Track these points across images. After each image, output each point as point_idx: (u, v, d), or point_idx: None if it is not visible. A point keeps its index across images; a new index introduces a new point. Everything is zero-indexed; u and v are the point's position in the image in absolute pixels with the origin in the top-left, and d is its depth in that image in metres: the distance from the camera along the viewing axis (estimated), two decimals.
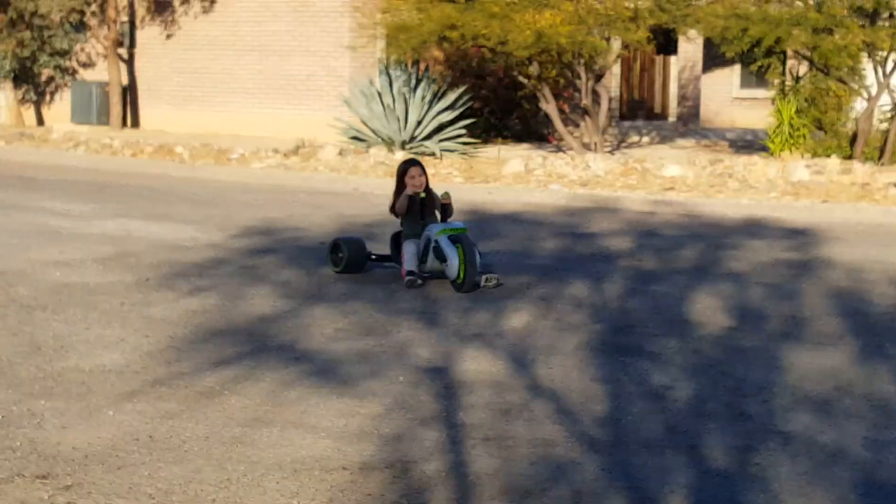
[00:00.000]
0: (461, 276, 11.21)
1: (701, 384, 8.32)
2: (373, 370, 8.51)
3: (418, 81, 27.42)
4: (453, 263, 11.23)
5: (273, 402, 7.63)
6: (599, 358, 8.99)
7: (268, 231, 15.02)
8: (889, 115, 26.82)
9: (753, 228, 16.57)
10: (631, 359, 8.98)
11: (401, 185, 11.86)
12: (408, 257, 11.58)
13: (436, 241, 11.35)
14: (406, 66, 27.64)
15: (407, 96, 26.91)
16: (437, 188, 12.26)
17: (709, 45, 32.95)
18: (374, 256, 12.22)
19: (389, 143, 26.91)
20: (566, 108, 31.21)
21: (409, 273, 11.50)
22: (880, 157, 25.28)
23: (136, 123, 34.14)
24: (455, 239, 11.33)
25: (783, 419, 7.53)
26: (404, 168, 11.91)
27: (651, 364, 8.84)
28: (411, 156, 25.08)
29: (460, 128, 27.47)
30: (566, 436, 7.11)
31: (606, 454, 6.81)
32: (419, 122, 27.04)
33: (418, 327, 9.90)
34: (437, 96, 27.47)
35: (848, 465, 6.69)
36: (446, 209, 11.84)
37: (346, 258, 11.96)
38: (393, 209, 12.03)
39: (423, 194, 11.79)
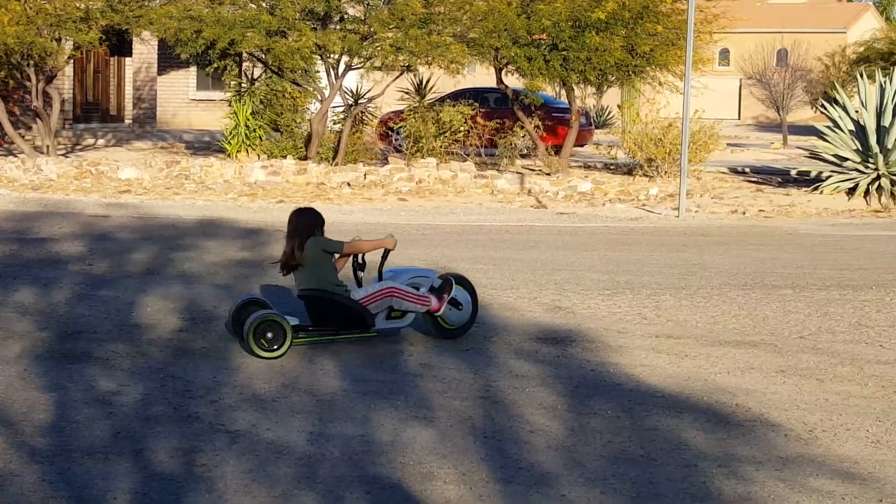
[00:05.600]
0: None
1: (149, 387, 8.18)
2: None
3: None
4: None
5: None
6: (44, 366, 8.68)
7: None
8: (342, 116, 27.62)
9: (209, 229, 16.56)
10: (78, 365, 8.72)
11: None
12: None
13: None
14: None
15: None
16: None
17: (164, 46, 32.77)
18: None
19: None
20: (17, 110, 30.18)
21: None
22: (334, 158, 25.98)
23: None
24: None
25: (230, 418, 7.52)
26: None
27: (99, 370, 8.62)
28: None
29: None
30: (5, 447, 6.80)
31: (48, 464, 6.56)
32: None
33: None
34: None
35: (292, 461, 6.76)
36: None
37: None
38: None
39: None
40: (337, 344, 9.56)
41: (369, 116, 29.86)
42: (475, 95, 31.61)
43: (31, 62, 25.42)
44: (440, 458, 6.90)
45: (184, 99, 39.13)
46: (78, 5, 24.95)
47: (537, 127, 28.54)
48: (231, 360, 9.03)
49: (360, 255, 9.83)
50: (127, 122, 35.87)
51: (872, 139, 23.30)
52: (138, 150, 30.22)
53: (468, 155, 27.74)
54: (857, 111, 24.13)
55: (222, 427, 7.35)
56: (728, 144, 36.37)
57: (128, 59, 35.64)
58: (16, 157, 25.76)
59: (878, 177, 23.07)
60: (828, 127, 24.38)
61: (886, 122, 23.15)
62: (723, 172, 28.23)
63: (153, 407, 7.74)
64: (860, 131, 23.69)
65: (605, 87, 30.53)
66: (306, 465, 6.70)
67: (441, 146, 27.40)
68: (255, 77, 29.29)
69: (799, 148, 32.72)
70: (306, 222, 9.62)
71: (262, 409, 7.77)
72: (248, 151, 27.26)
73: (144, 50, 35.24)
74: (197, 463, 6.69)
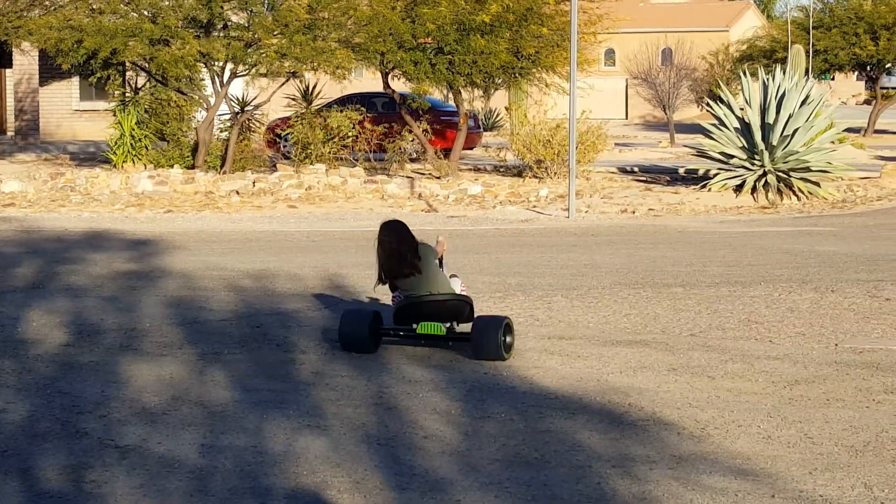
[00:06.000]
0: None
1: (36, 404, 8.02)
2: None
3: None
4: None
5: None
6: None
7: None
8: (229, 124, 27.38)
9: (95, 241, 16.33)
10: None
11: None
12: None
13: None
14: None
15: None
16: None
17: (45, 57, 32.31)
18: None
19: None
20: None
21: None
22: (222, 166, 25.75)
23: None
24: None
25: (120, 433, 7.38)
26: None
27: None
28: None
29: None
30: None
31: None
32: None
33: None
34: None
35: (184, 475, 6.65)
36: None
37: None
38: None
39: None
40: (226, 354, 9.48)
41: (256, 124, 29.64)
42: (363, 100, 31.49)
43: None
44: (334, 466, 6.83)
45: (67, 110, 38.57)
46: None
47: (426, 131, 28.54)
48: (120, 373, 8.88)
49: None
50: (9, 134, 35.30)
51: (757, 136, 23.59)
52: (22, 163, 29.72)
53: (357, 160, 27.66)
54: (741, 109, 24.42)
55: (112, 442, 7.22)
56: (616, 144, 36.69)
57: (8, 70, 35.08)
58: None
59: (765, 173, 23.37)
60: (714, 125, 24.65)
61: (770, 118, 23.45)
62: (612, 172, 28.43)
63: (40, 423, 7.58)
64: (745, 128, 23.98)
65: (493, 90, 30.55)
66: (198, 479, 6.60)
67: (330, 152, 27.28)
68: (140, 86, 28.94)
69: (686, 146, 33.07)
70: (408, 233, 9.61)
71: (152, 422, 7.64)
72: (134, 162, 26.91)
73: (25, 61, 34.69)
74: (86, 479, 6.56)
